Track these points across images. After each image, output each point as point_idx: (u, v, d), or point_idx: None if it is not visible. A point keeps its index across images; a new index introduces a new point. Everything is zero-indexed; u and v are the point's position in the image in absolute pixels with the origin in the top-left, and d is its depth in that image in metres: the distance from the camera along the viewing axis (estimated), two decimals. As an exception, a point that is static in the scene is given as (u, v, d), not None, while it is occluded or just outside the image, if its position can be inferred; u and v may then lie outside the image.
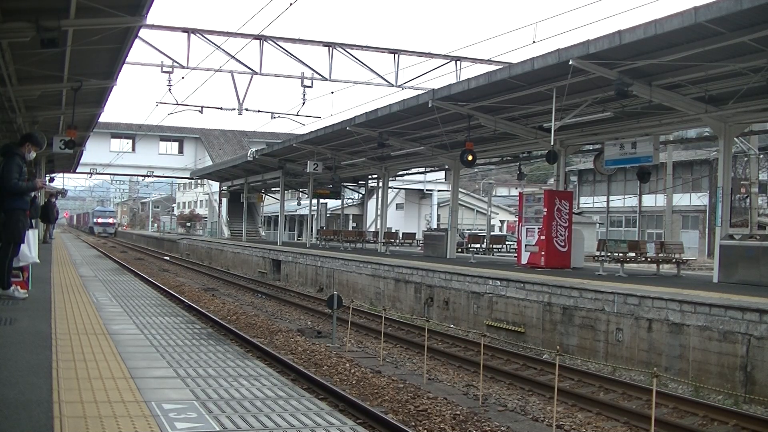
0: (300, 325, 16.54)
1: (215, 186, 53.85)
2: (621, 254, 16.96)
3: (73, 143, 17.95)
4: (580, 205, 48.52)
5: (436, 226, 47.92)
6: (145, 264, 35.77)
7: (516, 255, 20.25)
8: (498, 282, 15.09)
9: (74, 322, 7.85)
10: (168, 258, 43.12)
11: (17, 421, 4.02)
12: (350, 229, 46.01)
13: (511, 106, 17.71)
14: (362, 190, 43.42)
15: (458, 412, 8.57)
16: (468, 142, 19.25)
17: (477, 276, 15.84)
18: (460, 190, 27.82)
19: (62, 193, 38.43)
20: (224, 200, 52.36)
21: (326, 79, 23.30)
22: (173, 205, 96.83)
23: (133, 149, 55.29)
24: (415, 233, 36.35)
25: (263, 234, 53.52)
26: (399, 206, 56.52)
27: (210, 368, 5.90)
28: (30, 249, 9.29)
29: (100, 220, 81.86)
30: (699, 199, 42.23)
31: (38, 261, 9.93)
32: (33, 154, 9.18)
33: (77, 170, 47.01)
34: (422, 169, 34.52)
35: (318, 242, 36.40)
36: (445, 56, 23.86)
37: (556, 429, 8.36)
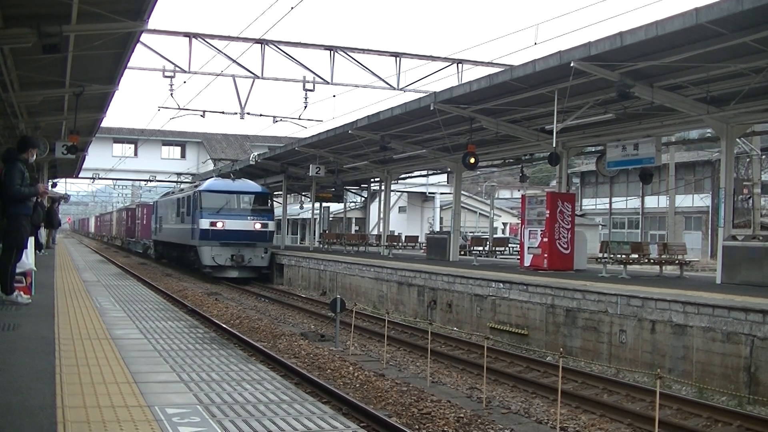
0: (303, 328, 16.55)
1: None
2: (624, 256, 16.93)
3: (76, 148, 18.02)
4: (583, 207, 48.52)
5: (438, 229, 47.89)
6: (148, 268, 35.78)
7: (519, 257, 20.23)
8: (501, 284, 15.07)
9: (77, 327, 7.85)
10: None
11: (21, 426, 4.03)
12: (353, 232, 46.00)
13: (513, 108, 17.71)
14: (365, 194, 43.43)
15: (462, 415, 8.56)
16: (470, 144, 19.25)
17: (480, 279, 15.83)
18: (462, 192, 27.84)
19: (65, 198, 38.37)
20: (227, 204, 51.97)
21: (328, 83, 23.29)
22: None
23: (136, 154, 55.28)
24: (417, 236, 36.37)
25: (266, 238, 53.29)
26: (401, 209, 56.52)
27: (213, 372, 5.90)
28: (27, 256, 9.32)
29: (225, 224, 27.60)
30: (701, 200, 42.22)
31: (35, 268, 9.96)
32: (34, 157, 9.24)
33: (80, 175, 47.09)
34: (424, 172, 34.51)
35: (321, 246, 36.40)
36: (446, 59, 23.88)
37: (560, 431, 8.35)
